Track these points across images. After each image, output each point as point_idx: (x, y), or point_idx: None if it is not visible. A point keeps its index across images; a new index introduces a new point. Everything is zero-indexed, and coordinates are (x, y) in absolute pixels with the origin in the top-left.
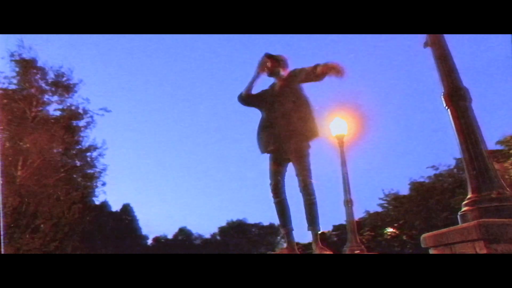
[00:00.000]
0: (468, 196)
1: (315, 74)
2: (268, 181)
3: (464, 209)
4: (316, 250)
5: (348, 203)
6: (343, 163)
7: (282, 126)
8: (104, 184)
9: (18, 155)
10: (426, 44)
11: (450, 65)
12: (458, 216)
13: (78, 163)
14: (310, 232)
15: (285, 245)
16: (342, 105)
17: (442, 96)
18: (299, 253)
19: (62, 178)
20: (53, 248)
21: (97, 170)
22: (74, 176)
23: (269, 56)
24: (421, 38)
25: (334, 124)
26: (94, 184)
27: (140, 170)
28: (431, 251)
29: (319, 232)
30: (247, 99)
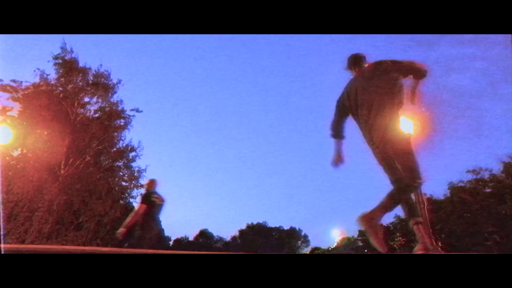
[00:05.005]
0: None
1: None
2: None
3: None
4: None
5: (421, 204)
6: None
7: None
8: (143, 186)
9: (61, 154)
10: None
11: None
12: None
13: (116, 164)
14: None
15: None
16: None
17: None
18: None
19: (102, 177)
20: (95, 246)
21: (135, 170)
22: (113, 175)
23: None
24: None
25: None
26: (132, 184)
27: (162, 172)
28: None
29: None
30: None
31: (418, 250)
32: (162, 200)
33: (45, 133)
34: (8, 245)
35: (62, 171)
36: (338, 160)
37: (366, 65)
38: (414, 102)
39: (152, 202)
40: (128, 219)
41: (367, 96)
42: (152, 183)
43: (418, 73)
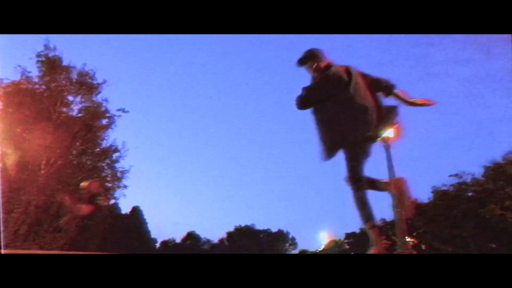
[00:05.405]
0: None
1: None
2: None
3: None
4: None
5: (397, 207)
6: (390, 167)
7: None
8: (125, 186)
9: (42, 154)
10: None
11: None
12: None
13: (99, 164)
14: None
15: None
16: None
17: None
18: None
19: (84, 178)
20: (75, 248)
21: (118, 171)
22: (96, 176)
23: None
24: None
25: None
26: (115, 185)
27: (149, 173)
28: None
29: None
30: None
31: (372, 252)
32: (107, 200)
33: (26, 132)
34: None
35: (42, 171)
36: None
37: (336, 66)
38: (425, 103)
39: (97, 204)
40: (75, 209)
41: (364, 97)
42: (95, 183)
43: (385, 87)
